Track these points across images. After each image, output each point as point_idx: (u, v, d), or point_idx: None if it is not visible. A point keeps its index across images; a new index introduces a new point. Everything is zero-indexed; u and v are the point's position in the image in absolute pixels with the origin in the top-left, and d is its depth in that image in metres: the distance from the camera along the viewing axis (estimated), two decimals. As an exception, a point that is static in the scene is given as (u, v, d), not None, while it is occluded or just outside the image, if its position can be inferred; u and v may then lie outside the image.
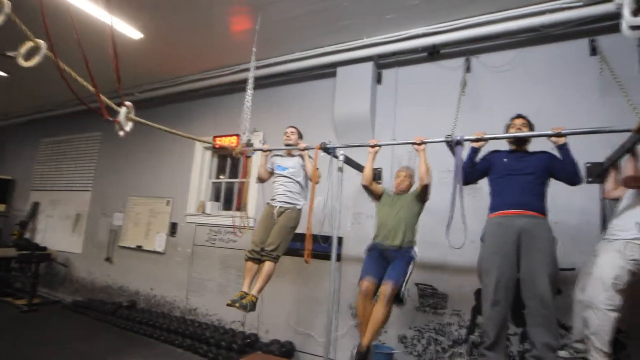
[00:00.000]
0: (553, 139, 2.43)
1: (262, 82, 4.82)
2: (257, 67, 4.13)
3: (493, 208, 2.58)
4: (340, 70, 4.31)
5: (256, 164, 3.58)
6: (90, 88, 2.01)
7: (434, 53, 3.87)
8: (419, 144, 2.76)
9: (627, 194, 2.56)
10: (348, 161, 3.27)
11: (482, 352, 2.43)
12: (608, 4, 2.96)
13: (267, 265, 3.10)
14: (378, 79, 4.26)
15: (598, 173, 3.02)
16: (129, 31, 4.26)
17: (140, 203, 5.95)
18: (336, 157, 3.01)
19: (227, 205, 5.28)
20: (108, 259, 6.11)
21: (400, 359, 3.63)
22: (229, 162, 5.43)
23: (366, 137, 3.94)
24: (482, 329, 2.45)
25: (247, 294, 3.10)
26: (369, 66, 4.14)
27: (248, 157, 3.39)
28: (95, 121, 6.28)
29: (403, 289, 2.77)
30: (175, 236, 5.46)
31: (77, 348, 4.12)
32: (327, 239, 3.03)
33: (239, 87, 4.32)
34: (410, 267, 2.87)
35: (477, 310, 3.37)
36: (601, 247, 2.53)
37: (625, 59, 3.08)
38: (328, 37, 4.11)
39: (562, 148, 2.43)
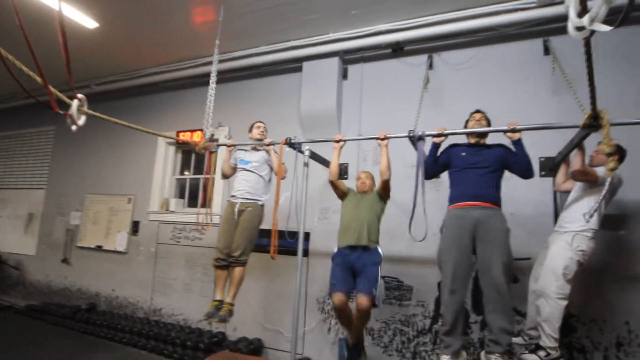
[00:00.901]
0: (508, 134, 2.55)
1: (227, 76, 4.74)
2: (221, 61, 4.04)
3: (451, 200, 2.68)
4: (306, 65, 4.30)
5: (222, 159, 3.51)
6: (37, 78, 1.88)
7: (397, 50, 3.93)
8: (382, 139, 2.80)
9: (576, 187, 2.72)
10: (314, 156, 3.27)
11: (441, 338, 2.54)
12: (559, 6, 3.11)
13: (238, 271, 3.06)
14: (344, 75, 4.28)
15: (551, 167, 3.20)
16: (83, 20, 4.03)
17: (100, 201, 5.68)
18: (301, 152, 3.00)
19: (193, 203, 5.15)
20: (65, 260, 5.79)
21: (368, 351, 3.69)
22: (194, 157, 5.29)
23: (333, 132, 3.95)
24: (441, 316, 2.51)
25: (222, 302, 3.04)
26: (334, 61, 4.15)
27: (212, 152, 3.31)
28: (48, 115, 5.90)
29: (376, 293, 2.80)
30: (137, 235, 5.27)
31: (32, 355, 3.90)
32: (293, 235, 3.02)
33: (203, 80, 4.22)
34: (379, 270, 2.90)
35: (440, 301, 3.49)
36: (552, 239, 2.69)
37: (574, 59, 3.25)
38: (294, 31, 4.08)
39: (517, 143, 2.56)
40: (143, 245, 5.19)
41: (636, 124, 2.39)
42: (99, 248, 5.50)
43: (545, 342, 2.50)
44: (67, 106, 2.15)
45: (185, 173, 5.43)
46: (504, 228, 2.51)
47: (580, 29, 1.50)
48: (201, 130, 4.50)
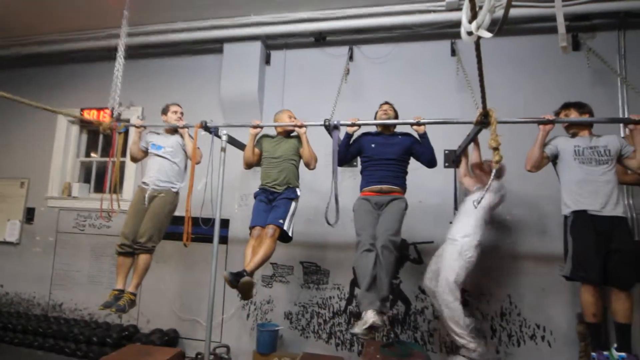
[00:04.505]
0: (415, 127, 2.75)
1: (141, 52, 4.40)
2: (132, 34, 3.73)
3: (362, 187, 2.88)
4: (227, 46, 4.15)
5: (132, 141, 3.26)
6: None
7: (320, 39, 3.99)
8: (300, 127, 2.84)
9: (467, 199, 3.03)
10: (233, 141, 3.20)
11: (363, 295, 2.57)
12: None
13: (143, 259, 2.88)
14: (267, 60, 4.22)
15: (453, 159, 3.52)
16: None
17: (-16, 185, 4.94)
18: (218, 136, 2.91)
19: (100, 188, 4.72)
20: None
21: (286, 335, 3.78)
22: (102, 139, 4.83)
23: (254, 117, 3.87)
24: (358, 277, 2.64)
25: (122, 292, 2.84)
26: (257, 45, 4.07)
27: (119, 133, 3.05)
28: None
29: (287, 226, 2.82)
30: (32, 223, 4.70)
31: None
32: (208, 221, 2.94)
33: (114, 54, 3.86)
34: (293, 204, 2.92)
35: (355, 283, 3.69)
36: (446, 247, 2.94)
37: (475, 62, 3.60)
38: (213, 9, 3.90)
39: (422, 136, 2.80)
40: (40, 235, 4.65)
41: (520, 123, 2.74)
42: (-18, 239, 4.80)
43: (459, 339, 2.73)
44: None
45: (93, 155, 4.95)
46: (402, 205, 2.75)
47: (470, 33, 1.66)
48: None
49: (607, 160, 2.44)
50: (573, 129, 2.64)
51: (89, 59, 4.71)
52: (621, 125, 3.14)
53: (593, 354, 2.32)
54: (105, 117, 3.80)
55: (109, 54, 4.34)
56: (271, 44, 4.23)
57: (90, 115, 4.44)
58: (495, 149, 2.27)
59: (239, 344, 3.86)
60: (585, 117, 2.58)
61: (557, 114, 2.68)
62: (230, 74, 4.14)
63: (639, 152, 2.40)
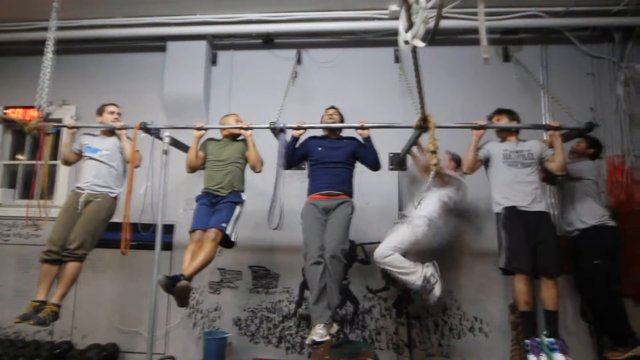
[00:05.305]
0: (359, 130, 2.83)
1: (76, 47, 4.14)
2: (65, 28, 3.48)
3: (309, 192, 2.89)
4: (170, 45, 4.00)
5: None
6: None
7: (268, 41, 3.98)
8: (245, 129, 2.81)
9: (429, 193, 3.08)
10: (176, 144, 3.08)
11: (311, 309, 2.62)
12: (405, 20, 3.56)
13: (71, 267, 2.67)
14: (213, 60, 4.13)
15: (397, 161, 3.66)
16: None
17: None
18: (160, 138, 2.79)
19: (27, 193, 4.32)
20: None
21: (235, 342, 3.70)
22: (31, 140, 4.43)
23: (200, 119, 3.72)
24: (309, 288, 2.65)
25: (44, 303, 2.60)
26: (202, 45, 3.97)
27: (47, 134, 2.82)
28: None
29: (229, 230, 2.76)
30: (-57, 234, 4.19)
31: None
32: (149, 227, 2.80)
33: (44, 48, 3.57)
34: (237, 209, 2.87)
35: (304, 286, 3.70)
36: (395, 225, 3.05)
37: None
38: (156, 6, 3.74)
39: (367, 140, 2.89)
40: (-47, 247, 4.16)
41: (456, 128, 2.92)
42: None
43: (414, 279, 2.73)
44: None
45: (19, 157, 4.52)
46: (348, 210, 2.78)
47: (407, 42, 1.74)
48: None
49: (530, 163, 2.68)
50: (503, 133, 2.86)
51: (17, 52, 4.32)
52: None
53: (527, 340, 2.50)
54: (32, 117, 3.49)
55: (38, 48, 4.03)
56: (218, 44, 4.14)
57: (15, 114, 4.06)
58: (434, 152, 2.39)
59: (185, 354, 3.72)
60: (514, 124, 2.81)
61: (490, 118, 2.89)
62: (174, 73, 3.99)
63: (557, 155, 2.66)
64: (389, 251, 2.74)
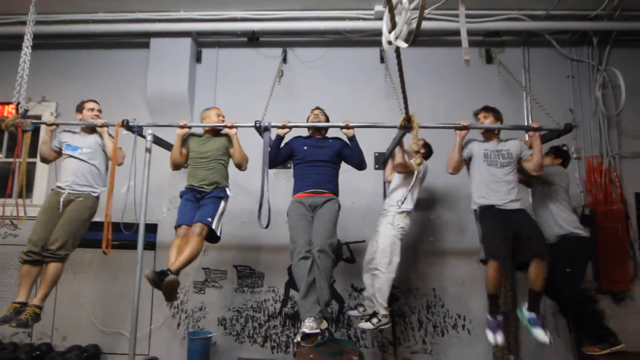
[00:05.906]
0: (344, 130, 2.84)
1: (57, 42, 4.06)
2: (47, 22, 3.40)
3: (295, 190, 2.88)
4: (154, 41, 3.94)
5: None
6: None
7: (253, 39, 3.96)
8: (230, 127, 2.78)
9: (395, 178, 3.21)
10: (160, 142, 3.04)
11: (299, 303, 2.62)
12: (389, 21, 3.59)
13: (53, 268, 2.61)
14: (198, 58, 4.10)
15: (382, 161, 3.69)
16: None
17: None
18: (142, 136, 2.75)
19: (3, 192, 4.20)
20: None
21: (220, 342, 3.67)
22: (7, 136, 4.31)
23: (184, 117, 3.69)
24: (297, 284, 2.65)
25: (25, 305, 2.54)
26: (187, 42, 3.92)
27: (25, 131, 2.75)
28: None
29: (215, 225, 2.74)
30: None
31: None
32: (131, 226, 2.76)
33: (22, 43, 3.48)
34: (222, 204, 2.85)
35: (290, 285, 3.70)
36: (379, 223, 3.12)
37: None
38: (139, 1, 3.70)
39: (352, 139, 2.89)
40: None
41: (439, 128, 2.95)
42: None
43: (379, 309, 2.89)
44: None
45: (-5, 155, 4.40)
46: (334, 208, 2.79)
47: (390, 42, 1.76)
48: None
49: (509, 162, 2.73)
50: (487, 133, 2.91)
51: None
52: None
53: (488, 316, 2.60)
54: (10, 113, 3.40)
55: (19, 43, 3.93)
56: (202, 41, 4.11)
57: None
58: (417, 152, 2.41)
59: (169, 354, 3.68)
60: (497, 124, 2.86)
61: (476, 114, 2.92)
62: (157, 70, 3.93)
63: (535, 155, 2.72)
64: (385, 259, 2.88)
